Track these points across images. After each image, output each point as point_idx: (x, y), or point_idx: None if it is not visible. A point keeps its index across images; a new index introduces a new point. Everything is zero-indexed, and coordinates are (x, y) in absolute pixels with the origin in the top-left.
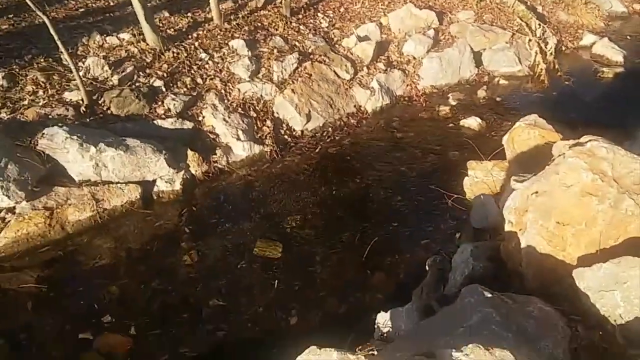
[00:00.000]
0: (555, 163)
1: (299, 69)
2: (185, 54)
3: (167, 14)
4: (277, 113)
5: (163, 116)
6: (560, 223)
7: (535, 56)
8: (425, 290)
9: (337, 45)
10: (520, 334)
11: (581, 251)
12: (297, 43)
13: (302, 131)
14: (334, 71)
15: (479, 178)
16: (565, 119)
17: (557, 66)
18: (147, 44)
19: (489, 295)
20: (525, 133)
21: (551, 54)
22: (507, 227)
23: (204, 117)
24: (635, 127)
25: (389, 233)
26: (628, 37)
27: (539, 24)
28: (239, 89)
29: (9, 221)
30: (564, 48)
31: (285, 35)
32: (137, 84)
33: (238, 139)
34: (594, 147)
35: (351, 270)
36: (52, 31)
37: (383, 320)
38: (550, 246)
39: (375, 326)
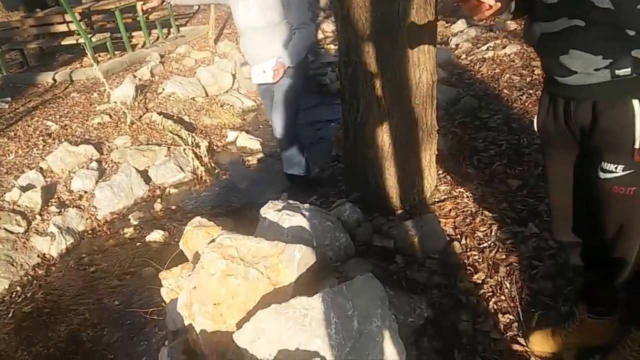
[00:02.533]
0: (200, 260)
1: None
2: None
3: None
4: None
5: None
6: (216, 304)
7: (192, 161)
8: None
9: (1, 202)
10: None
11: (236, 319)
12: None
13: None
14: (5, 229)
15: (172, 285)
16: (229, 208)
17: (213, 165)
18: None
19: None
20: (194, 234)
21: (205, 155)
22: (185, 322)
23: None
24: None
25: None
26: (260, 126)
27: (188, 133)
28: None
29: None
30: (215, 147)
31: None
32: None
33: None
34: (221, 240)
35: None
36: None
37: None
38: (215, 325)
39: None
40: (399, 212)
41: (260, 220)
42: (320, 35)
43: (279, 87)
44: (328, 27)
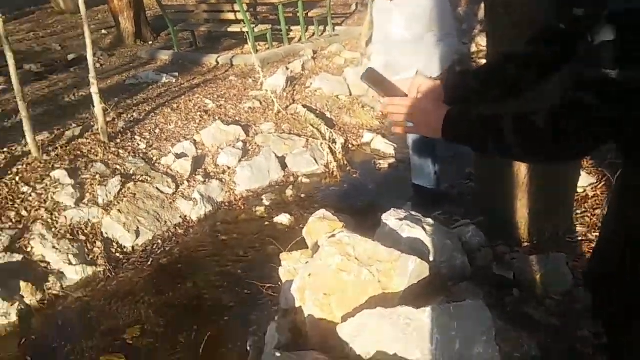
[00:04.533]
0: (319, 251)
1: (123, 190)
2: (7, 190)
3: None
4: (107, 233)
5: None
6: (327, 294)
7: (327, 156)
8: None
9: (157, 164)
10: None
11: (342, 312)
12: (118, 166)
13: (132, 247)
14: (157, 188)
15: (290, 267)
16: (354, 206)
17: (345, 162)
18: None
19: (279, 354)
20: (318, 225)
21: (340, 152)
22: (296, 303)
23: (32, 247)
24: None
25: (220, 327)
26: None
27: (327, 129)
28: (65, 216)
29: None
30: (350, 146)
31: (106, 161)
32: None
33: (70, 263)
34: (340, 237)
35: None
36: None
37: None
38: (322, 313)
39: None
40: (525, 244)
41: (381, 226)
42: (473, 48)
43: None
44: (483, 41)
